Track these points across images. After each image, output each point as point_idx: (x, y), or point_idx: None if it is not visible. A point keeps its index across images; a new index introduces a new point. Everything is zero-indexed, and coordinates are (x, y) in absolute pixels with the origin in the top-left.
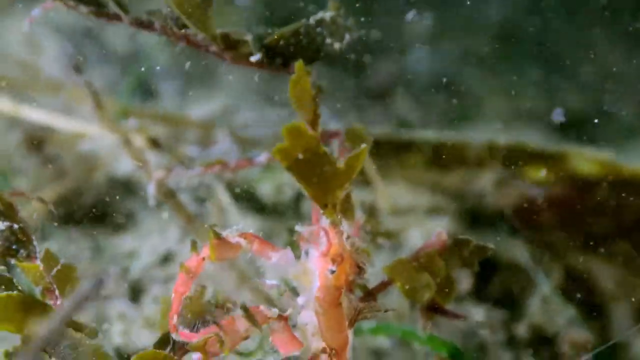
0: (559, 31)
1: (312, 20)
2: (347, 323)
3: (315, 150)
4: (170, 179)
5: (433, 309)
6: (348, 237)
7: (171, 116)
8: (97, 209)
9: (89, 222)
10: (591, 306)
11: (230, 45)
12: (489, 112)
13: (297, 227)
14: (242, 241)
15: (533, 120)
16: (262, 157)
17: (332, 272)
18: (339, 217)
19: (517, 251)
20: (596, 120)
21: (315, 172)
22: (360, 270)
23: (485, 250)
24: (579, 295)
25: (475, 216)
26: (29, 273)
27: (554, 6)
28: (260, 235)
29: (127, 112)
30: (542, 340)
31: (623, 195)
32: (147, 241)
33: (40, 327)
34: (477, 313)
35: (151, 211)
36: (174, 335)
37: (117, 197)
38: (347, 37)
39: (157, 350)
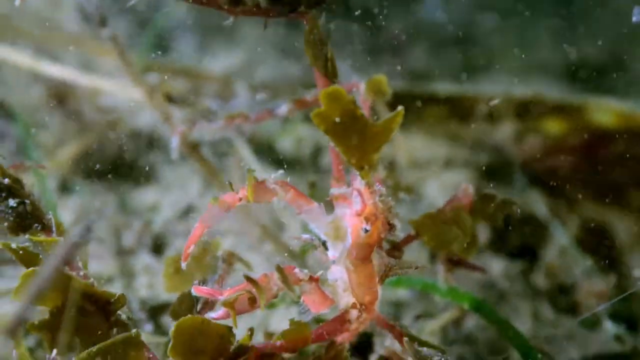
0: None
1: None
2: (377, 279)
3: (353, 113)
4: (194, 132)
5: (454, 262)
6: (381, 196)
7: (191, 70)
8: (120, 163)
9: (112, 176)
10: (608, 257)
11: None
12: (506, 64)
13: (332, 190)
14: (279, 188)
15: (551, 71)
16: (283, 108)
17: (366, 231)
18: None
19: (535, 203)
20: (615, 71)
21: (353, 135)
22: (391, 227)
23: (510, 204)
24: (596, 246)
25: (493, 168)
26: (48, 247)
27: None
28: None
29: (148, 66)
30: (560, 290)
31: None
32: (168, 195)
33: (33, 276)
34: (496, 264)
35: (172, 165)
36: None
37: (139, 151)
38: None
39: (195, 316)
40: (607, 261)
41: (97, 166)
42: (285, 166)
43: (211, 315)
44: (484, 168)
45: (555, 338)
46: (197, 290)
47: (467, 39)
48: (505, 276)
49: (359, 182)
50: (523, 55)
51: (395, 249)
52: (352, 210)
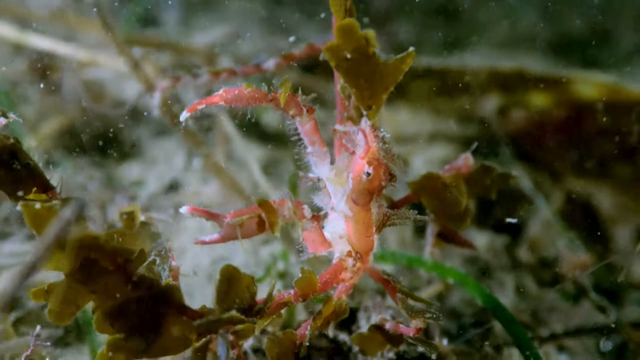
0: None
1: None
2: (374, 228)
3: (365, 50)
4: (178, 86)
5: (445, 237)
6: (385, 143)
7: (174, 44)
8: (104, 137)
9: (96, 151)
10: (591, 230)
11: None
12: (490, 38)
13: (337, 126)
14: (306, 111)
15: (535, 44)
16: (270, 63)
17: (368, 174)
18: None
19: (519, 176)
20: (599, 44)
21: (363, 72)
22: (392, 177)
23: (507, 177)
24: (580, 219)
25: (478, 142)
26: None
27: None
28: (263, 163)
29: (131, 40)
30: (543, 264)
31: (625, 118)
32: (153, 169)
33: (28, 254)
34: (480, 238)
35: (157, 139)
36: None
37: (124, 125)
38: None
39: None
40: (591, 234)
41: (81, 140)
42: (270, 141)
43: (205, 238)
44: (469, 142)
45: (539, 310)
46: (192, 211)
47: (452, 12)
48: (489, 250)
49: (364, 123)
50: (508, 29)
51: (393, 207)
52: (356, 153)
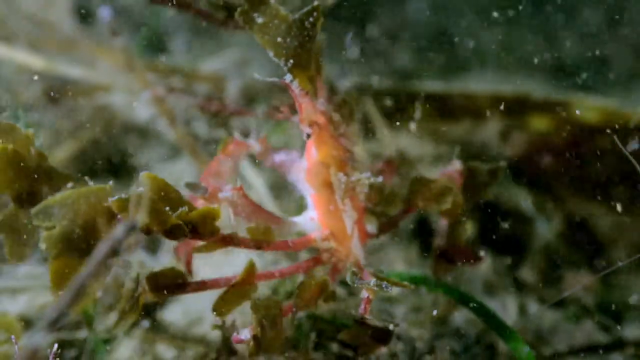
0: None
1: None
2: (340, 203)
3: (272, 10)
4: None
5: (448, 256)
6: (330, 115)
7: (183, 70)
8: (115, 160)
9: (106, 175)
10: (592, 250)
11: None
12: (490, 62)
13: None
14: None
15: (535, 68)
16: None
17: (308, 136)
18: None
19: (520, 198)
20: (598, 67)
21: (276, 31)
22: (348, 151)
23: (498, 170)
24: (580, 240)
25: (480, 164)
26: None
27: None
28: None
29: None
30: (546, 284)
31: (624, 141)
32: None
33: (78, 271)
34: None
35: (168, 162)
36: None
37: (134, 149)
38: None
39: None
40: (591, 254)
41: (92, 165)
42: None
43: None
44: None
45: (542, 330)
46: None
47: (453, 38)
48: (492, 270)
49: (288, 79)
50: (507, 53)
51: (392, 224)
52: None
